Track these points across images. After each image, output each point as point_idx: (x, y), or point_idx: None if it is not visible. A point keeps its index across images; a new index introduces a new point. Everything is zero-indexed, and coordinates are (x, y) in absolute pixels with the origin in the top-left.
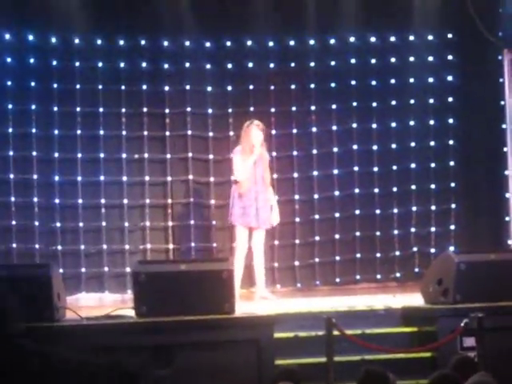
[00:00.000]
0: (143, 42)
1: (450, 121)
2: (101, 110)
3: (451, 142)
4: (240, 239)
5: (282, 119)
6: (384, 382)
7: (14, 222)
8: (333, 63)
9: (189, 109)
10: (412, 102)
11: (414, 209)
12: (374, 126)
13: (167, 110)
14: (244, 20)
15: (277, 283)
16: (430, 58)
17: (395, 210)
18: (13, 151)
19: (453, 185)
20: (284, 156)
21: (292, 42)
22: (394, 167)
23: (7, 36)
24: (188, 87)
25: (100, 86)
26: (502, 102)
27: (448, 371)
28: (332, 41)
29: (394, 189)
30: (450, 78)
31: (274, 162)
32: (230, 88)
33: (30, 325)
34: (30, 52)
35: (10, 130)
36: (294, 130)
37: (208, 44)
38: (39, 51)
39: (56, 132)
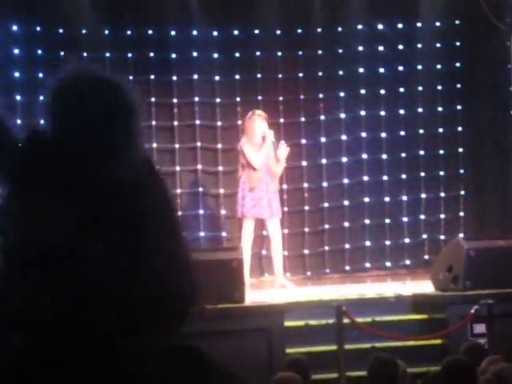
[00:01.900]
0: (150, 32)
1: (458, 107)
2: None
3: (459, 129)
4: (247, 230)
5: (289, 108)
6: (393, 369)
7: None
8: (340, 51)
9: (197, 98)
10: (420, 88)
11: (423, 196)
12: (383, 113)
13: (175, 100)
14: (251, 9)
15: (287, 272)
16: (438, 45)
17: (404, 198)
18: None
19: (462, 171)
20: (292, 144)
21: (299, 30)
22: (403, 154)
23: (15, 27)
24: (196, 77)
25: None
26: (511, 88)
27: (460, 356)
28: (339, 28)
29: (403, 176)
30: (457, 65)
31: None
32: (237, 77)
33: None
34: (37, 43)
35: (19, 121)
36: (302, 119)
37: (215, 33)
38: (47, 42)
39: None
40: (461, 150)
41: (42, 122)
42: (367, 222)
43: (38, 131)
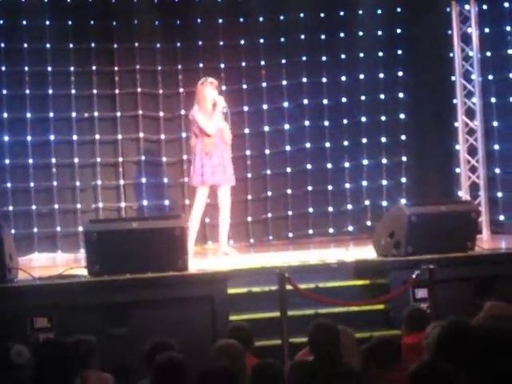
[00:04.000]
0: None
1: (400, 73)
2: (49, 68)
3: (401, 95)
4: (200, 198)
5: (232, 75)
6: (334, 335)
7: None
8: (281, 18)
9: (138, 66)
10: (361, 55)
11: (365, 162)
12: (324, 79)
13: (116, 68)
14: None
15: (230, 239)
16: (379, 11)
17: (346, 164)
18: None
19: (403, 138)
20: (235, 112)
21: None
22: (345, 121)
23: None
24: (136, 44)
25: (48, 45)
26: (451, 54)
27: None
28: None
29: (345, 143)
30: (398, 31)
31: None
32: (178, 44)
33: None
34: None
35: None
36: (244, 86)
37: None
38: None
39: (4, 92)
40: (402, 116)
41: None
42: (310, 188)
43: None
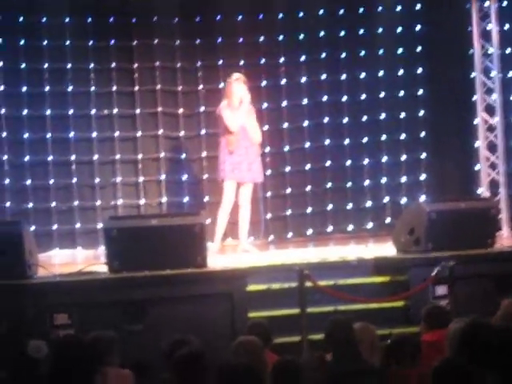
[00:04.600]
0: None
1: (419, 71)
2: (69, 65)
3: (420, 92)
4: (228, 194)
5: (251, 72)
6: (349, 333)
7: None
8: (301, 14)
9: (157, 63)
10: (381, 51)
11: (385, 159)
12: (344, 77)
13: (135, 65)
14: None
15: (249, 236)
16: (398, 8)
17: (366, 161)
18: None
19: (422, 134)
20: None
21: None
22: (364, 118)
23: None
24: (156, 41)
25: (67, 42)
26: (471, 51)
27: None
28: None
29: (364, 139)
30: (418, 28)
31: None
32: (198, 41)
33: (2, 282)
34: None
35: None
36: (264, 83)
37: None
38: (4, 7)
39: (24, 89)
40: (422, 112)
41: None
42: (329, 185)
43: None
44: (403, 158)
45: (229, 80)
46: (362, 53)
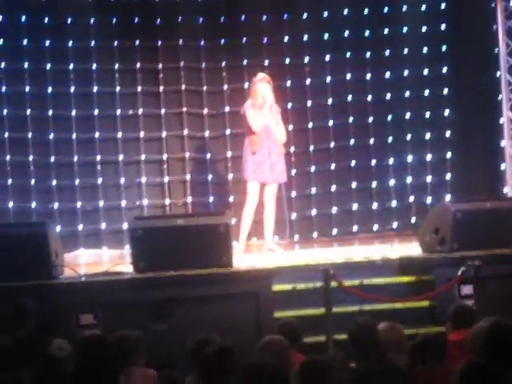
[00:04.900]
0: None
1: (444, 69)
2: (94, 66)
3: (445, 91)
4: (251, 194)
5: (275, 72)
6: (371, 333)
7: (10, 181)
8: (325, 14)
9: (182, 63)
10: (405, 51)
11: (410, 159)
12: (368, 76)
13: (160, 66)
14: None
15: (274, 236)
16: (423, 7)
17: (391, 161)
18: (7, 110)
19: (448, 134)
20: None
21: None
22: (389, 117)
23: None
24: (181, 42)
25: (92, 42)
26: (496, 50)
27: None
28: None
29: (390, 139)
30: (443, 27)
31: None
32: (222, 42)
33: (29, 283)
34: (20, 10)
35: (4, 88)
36: (288, 83)
37: None
38: (30, 9)
39: (49, 90)
40: (447, 112)
41: None
42: (354, 185)
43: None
44: (428, 157)
45: (253, 80)
46: (387, 52)
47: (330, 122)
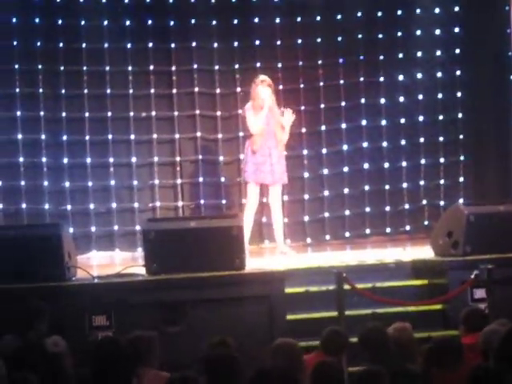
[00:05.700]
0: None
1: (458, 72)
2: (107, 68)
3: (459, 94)
4: (250, 196)
5: (288, 74)
6: (382, 337)
7: (23, 183)
8: (339, 17)
9: (195, 66)
10: (419, 54)
11: (423, 162)
12: (382, 79)
13: (173, 68)
14: None
15: (287, 238)
16: (437, 10)
17: (404, 164)
18: (20, 111)
19: (461, 137)
20: (292, 111)
21: None
22: (402, 120)
23: None
24: (194, 44)
25: (106, 44)
26: (510, 53)
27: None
28: None
29: (403, 142)
30: (456, 30)
31: None
32: (236, 44)
33: (42, 285)
34: (35, 10)
35: (17, 90)
36: (302, 85)
37: (213, 0)
38: (44, 9)
39: (63, 91)
40: (460, 115)
41: None
42: (367, 188)
43: None
44: (442, 160)
45: (255, 82)
46: (400, 55)
47: (343, 125)
